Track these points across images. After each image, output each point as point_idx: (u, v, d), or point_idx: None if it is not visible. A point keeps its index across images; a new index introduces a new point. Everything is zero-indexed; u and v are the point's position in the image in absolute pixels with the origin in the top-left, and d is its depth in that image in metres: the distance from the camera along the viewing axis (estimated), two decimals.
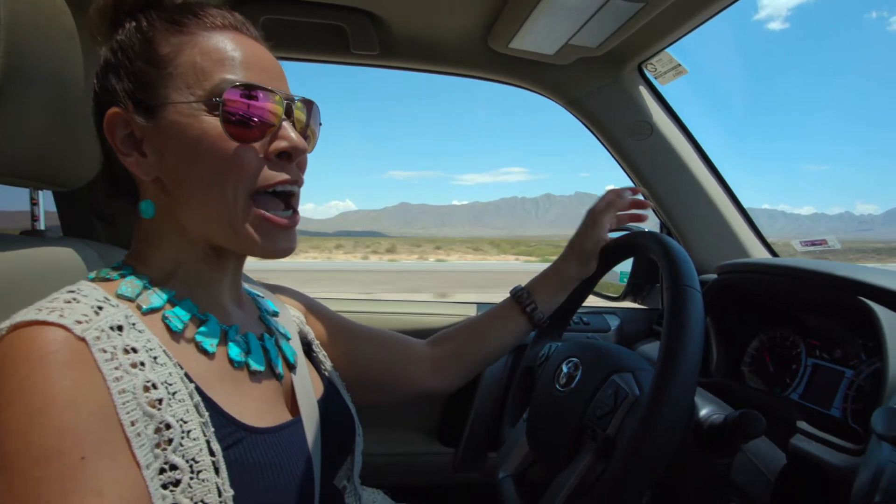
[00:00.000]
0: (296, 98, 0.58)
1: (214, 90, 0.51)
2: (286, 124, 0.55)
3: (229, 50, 0.53)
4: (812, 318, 0.99)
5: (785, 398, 0.96)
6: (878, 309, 0.76)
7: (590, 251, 0.91)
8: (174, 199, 0.55)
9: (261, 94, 0.52)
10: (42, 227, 0.73)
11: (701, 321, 0.63)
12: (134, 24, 0.54)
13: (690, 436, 0.67)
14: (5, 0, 0.50)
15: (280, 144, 0.54)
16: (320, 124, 0.64)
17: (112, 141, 0.54)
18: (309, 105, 0.60)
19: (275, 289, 0.80)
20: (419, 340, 0.89)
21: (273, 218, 0.55)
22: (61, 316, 0.44)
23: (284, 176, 0.55)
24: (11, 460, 0.39)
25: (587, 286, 0.97)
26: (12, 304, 0.51)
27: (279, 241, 0.56)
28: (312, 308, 0.81)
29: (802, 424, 0.77)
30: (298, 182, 0.58)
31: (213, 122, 0.51)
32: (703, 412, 0.68)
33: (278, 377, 0.61)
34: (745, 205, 1.43)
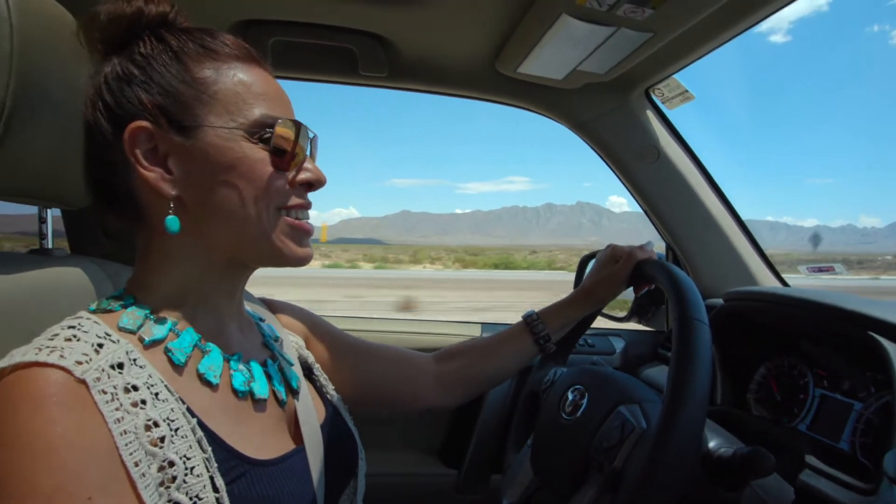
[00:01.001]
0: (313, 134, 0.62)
1: (259, 121, 0.56)
2: (309, 158, 0.62)
3: (265, 85, 0.58)
4: (819, 349, 0.98)
5: (793, 429, 0.95)
6: (888, 345, 0.75)
7: (607, 300, 0.93)
8: (197, 217, 0.55)
9: (300, 131, 0.58)
10: (50, 245, 0.73)
11: (709, 355, 0.62)
12: (155, 40, 0.55)
13: (698, 468, 0.66)
14: (17, 18, 0.51)
15: (305, 176, 0.60)
16: None
17: (132, 153, 0.53)
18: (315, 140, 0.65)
19: (274, 306, 0.79)
20: (425, 355, 0.90)
21: (300, 223, 0.60)
22: (61, 356, 0.44)
23: (303, 200, 0.61)
24: (18, 503, 0.39)
25: (595, 313, 0.98)
26: (20, 326, 0.51)
27: (306, 245, 0.61)
28: (313, 326, 0.81)
29: (811, 459, 0.76)
30: (309, 207, 0.62)
31: (252, 148, 0.55)
32: (712, 444, 0.67)
33: (281, 404, 0.61)
34: (748, 216, 1.42)
